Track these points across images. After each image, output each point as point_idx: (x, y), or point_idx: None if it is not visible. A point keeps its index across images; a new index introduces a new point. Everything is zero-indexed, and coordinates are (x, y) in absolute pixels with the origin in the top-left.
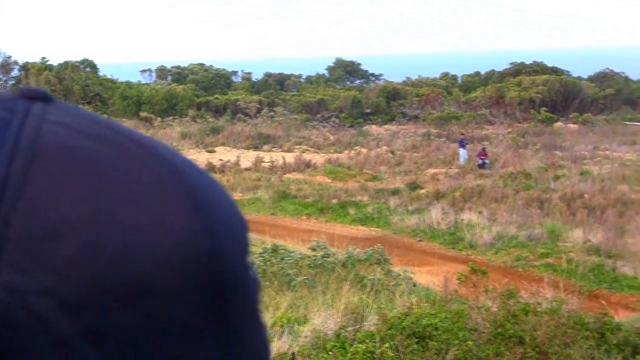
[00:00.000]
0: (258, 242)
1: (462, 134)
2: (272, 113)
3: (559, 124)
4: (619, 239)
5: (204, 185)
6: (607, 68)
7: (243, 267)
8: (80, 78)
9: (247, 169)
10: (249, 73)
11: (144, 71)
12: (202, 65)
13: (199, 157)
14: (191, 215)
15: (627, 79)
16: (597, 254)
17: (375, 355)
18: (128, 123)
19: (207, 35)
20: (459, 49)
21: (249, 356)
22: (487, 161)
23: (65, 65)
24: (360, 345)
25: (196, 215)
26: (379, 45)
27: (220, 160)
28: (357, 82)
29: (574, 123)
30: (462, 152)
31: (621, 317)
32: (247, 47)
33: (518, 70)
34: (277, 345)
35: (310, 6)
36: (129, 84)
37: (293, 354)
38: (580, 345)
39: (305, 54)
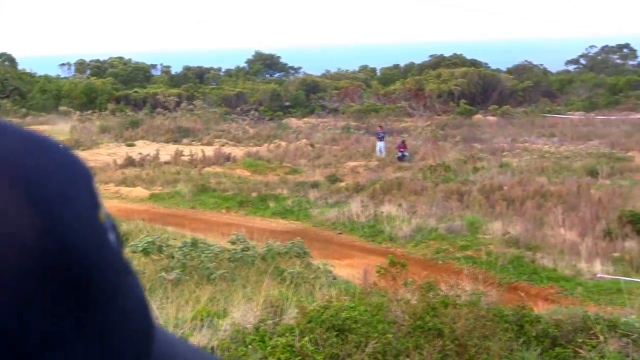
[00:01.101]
0: (178, 236)
1: (380, 127)
2: (191, 106)
3: (478, 116)
4: (538, 231)
5: (42, 174)
6: (526, 60)
7: (98, 245)
8: None
9: (166, 163)
10: (168, 66)
11: (63, 65)
12: (121, 58)
13: (119, 151)
14: (32, 215)
15: (545, 71)
16: (516, 246)
17: (294, 349)
18: (47, 117)
19: (126, 28)
20: (378, 41)
21: (128, 324)
22: (406, 154)
23: None
24: (279, 338)
25: (37, 213)
26: (299, 37)
27: (140, 154)
28: (277, 75)
29: (493, 115)
30: (380, 145)
31: (540, 309)
32: (167, 40)
33: (437, 62)
34: (197, 339)
35: None
36: (48, 78)
37: (212, 348)
38: (499, 337)
39: (224, 46)
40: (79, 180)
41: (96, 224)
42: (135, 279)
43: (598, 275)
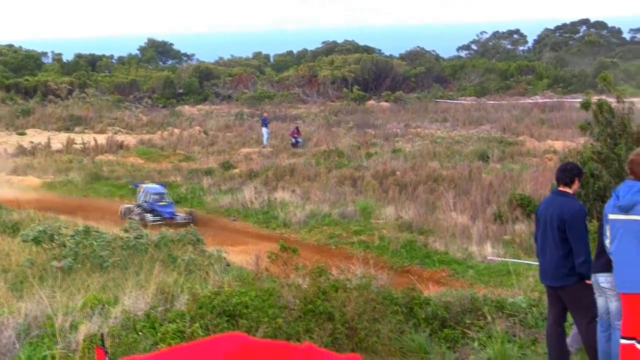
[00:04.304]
0: (70, 225)
1: (265, 112)
2: (83, 94)
3: (371, 102)
4: (430, 215)
5: None
6: (418, 46)
7: None
8: None
9: (58, 151)
10: (60, 54)
11: None
12: (11, 46)
13: (10, 140)
14: None
15: (437, 57)
16: (409, 231)
17: (185, 335)
18: None
19: (16, 15)
20: (270, 27)
21: None
22: (300, 140)
23: None
24: (170, 324)
25: None
26: (191, 24)
27: (31, 142)
28: (170, 62)
29: (386, 101)
30: (265, 131)
31: (432, 292)
32: (58, 27)
33: (330, 49)
34: (87, 327)
35: None
36: None
37: (102, 334)
38: (389, 320)
39: (116, 33)
40: None
41: None
42: None
43: (488, 258)
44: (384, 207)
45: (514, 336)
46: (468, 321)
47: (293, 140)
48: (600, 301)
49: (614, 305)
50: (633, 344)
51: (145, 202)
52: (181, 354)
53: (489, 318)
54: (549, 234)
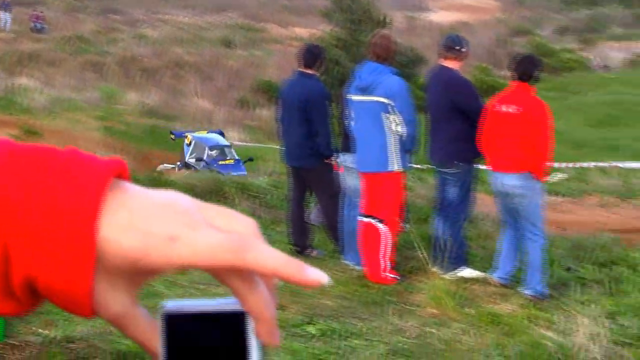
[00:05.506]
0: None
1: None
2: None
3: None
4: (174, 101)
5: None
6: None
7: None
8: None
9: None
10: None
11: None
12: None
13: None
14: None
15: None
16: (153, 116)
17: None
18: None
19: None
20: None
21: None
22: (44, 25)
23: None
24: None
25: None
26: None
27: None
28: None
29: None
30: (6, 16)
31: (177, 175)
32: None
33: None
34: None
35: None
36: None
37: None
38: None
39: None
40: None
41: None
42: None
43: (234, 143)
44: (128, 93)
45: (257, 216)
46: (212, 202)
47: (33, 24)
48: (348, 180)
49: (357, 183)
50: (371, 222)
51: (199, 160)
52: None
53: (234, 199)
54: (293, 115)
